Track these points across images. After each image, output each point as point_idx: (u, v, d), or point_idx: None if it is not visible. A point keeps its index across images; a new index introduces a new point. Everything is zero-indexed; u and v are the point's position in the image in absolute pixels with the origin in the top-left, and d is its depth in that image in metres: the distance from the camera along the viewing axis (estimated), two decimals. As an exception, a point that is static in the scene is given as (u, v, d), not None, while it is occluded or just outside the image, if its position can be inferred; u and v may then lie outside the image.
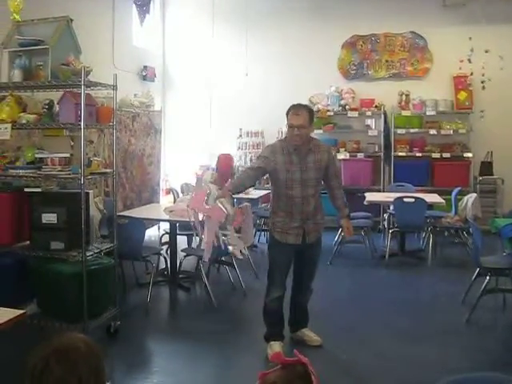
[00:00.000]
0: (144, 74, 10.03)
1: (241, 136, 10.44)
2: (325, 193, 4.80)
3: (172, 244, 6.60)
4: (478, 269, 5.53)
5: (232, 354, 4.78)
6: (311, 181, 4.49)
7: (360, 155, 9.86)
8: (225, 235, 4.09)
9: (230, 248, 4.23)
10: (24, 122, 4.73)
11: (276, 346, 4.59)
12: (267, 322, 4.74)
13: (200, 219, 4.19)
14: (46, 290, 4.76)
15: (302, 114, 4.42)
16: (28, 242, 4.82)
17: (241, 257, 4.39)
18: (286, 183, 4.47)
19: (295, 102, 4.64)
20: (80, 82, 4.45)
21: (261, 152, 4.77)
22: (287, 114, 4.49)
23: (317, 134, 9.57)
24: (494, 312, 5.70)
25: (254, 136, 10.36)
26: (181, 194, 8.32)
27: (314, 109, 9.71)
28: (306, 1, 10.10)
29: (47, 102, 4.80)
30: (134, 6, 9.58)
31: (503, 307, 5.71)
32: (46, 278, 4.74)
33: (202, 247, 4.36)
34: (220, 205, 3.92)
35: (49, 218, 4.60)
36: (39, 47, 4.68)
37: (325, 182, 4.73)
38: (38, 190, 4.82)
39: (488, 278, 5.40)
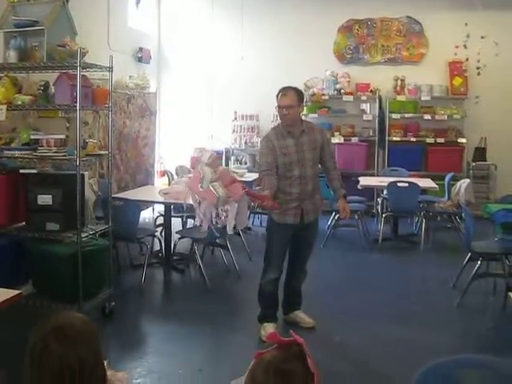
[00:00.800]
0: (139, 55, 9.97)
1: (236, 119, 10.42)
2: (322, 176, 4.86)
3: (166, 226, 6.62)
4: (469, 253, 5.59)
5: (225, 334, 4.82)
6: (308, 161, 4.57)
7: (354, 139, 9.86)
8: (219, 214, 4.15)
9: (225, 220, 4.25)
10: (19, 103, 4.73)
11: (269, 328, 4.64)
12: (261, 304, 4.80)
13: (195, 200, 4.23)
14: (42, 271, 4.79)
15: (290, 95, 4.53)
16: (24, 223, 4.85)
17: (231, 232, 4.45)
18: (284, 166, 4.53)
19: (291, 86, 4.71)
20: (76, 63, 4.45)
21: (260, 148, 4.83)
22: (276, 97, 4.59)
23: (311, 117, 9.63)
24: (484, 296, 5.75)
25: (249, 119, 10.35)
26: (175, 176, 8.31)
27: (309, 92, 9.75)
28: (302, -16, 10.08)
29: (43, 83, 4.80)
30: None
31: (493, 291, 5.77)
32: (42, 259, 4.76)
33: (197, 224, 4.40)
34: (212, 188, 3.98)
35: (44, 199, 4.62)
36: (35, 28, 4.67)
37: (321, 163, 4.80)
38: (34, 171, 4.83)
39: (479, 262, 5.46)
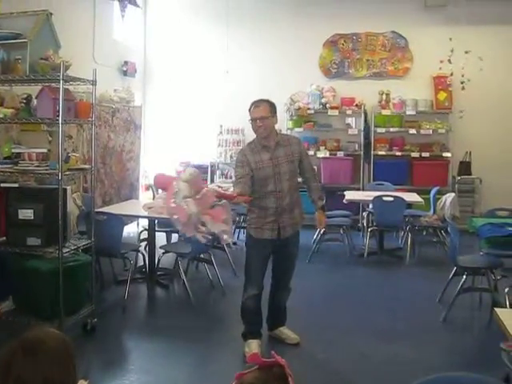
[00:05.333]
0: (124, 69, 9.94)
1: (221, 133, 10.41)
2: (304, 190, 4.82)
3: (150, 241, 6.56)
4: (454, 268, 5.58)
5: (209, 351, 4.76)
6: (285, 175, 4.52)
7: (340, 154, 9.87)
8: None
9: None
10: (1, 116, 4.68)
11: (253, 345, 4.58)
12: (245, 320, 4.74)
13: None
14: (22, 287, 4.71)
15: (262, 106, 4.53)
16: (4, 238, 4.76)
17: (230, 240, 4.46)
18: (260, 181, 4.49)
19: (276, 100, 4.71)
20: (59, 76, 4.41)
21: (236, 161, 4.74)
22: (249, 110, 4.58)
23: (297, 131, 9.64)
24: (470, 311, 5.75)
25: (235, 133, 10.33)
26: (160, 191, 8.25)
27: (295, 106, 9.76)
28: (287, -2, 10.11)
29: (25, 96, 4.75)
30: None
31: (479, 306, 5.76)
32: (22, 275, 4.69)
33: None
34: (184, 205, 3.90)
35: (25, 213, 4.55)
36: (18, 41, 4.61)
37: (300, 175, 4.78)
38: (15, 185, 4.76)
39: (465, 277, 5.45)
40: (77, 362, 1.86)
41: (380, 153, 9.74)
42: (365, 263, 7.49)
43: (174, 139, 10.62)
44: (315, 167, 9.44)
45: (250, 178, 4.48)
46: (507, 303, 5.09)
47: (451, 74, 9.73)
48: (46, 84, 4.67)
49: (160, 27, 10.85)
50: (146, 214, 6.16)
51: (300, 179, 4.81)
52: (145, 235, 7.12)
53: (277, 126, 4.78)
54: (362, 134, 9.82)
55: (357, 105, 9.89)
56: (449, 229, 6.16)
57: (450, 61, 9.73)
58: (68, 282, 4.57)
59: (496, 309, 3.33)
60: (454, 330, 5.28)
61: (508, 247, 5.44)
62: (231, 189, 7.81)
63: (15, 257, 4.68)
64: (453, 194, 8.03)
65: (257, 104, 4.55)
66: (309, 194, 4.87)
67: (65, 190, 4.65)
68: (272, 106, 4.58)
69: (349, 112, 9.89)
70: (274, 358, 1.62)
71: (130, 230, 8.33)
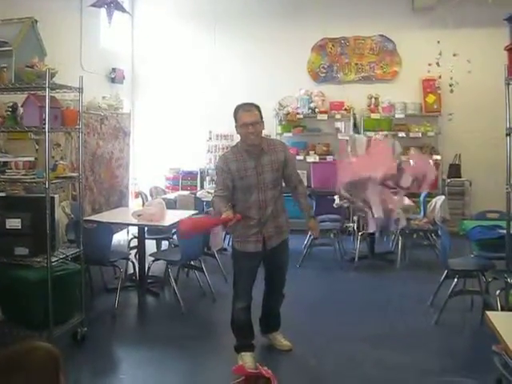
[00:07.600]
0: (112, 76, 9.92)
1: (210, 139, 10.39)
2: (288, 195, 4.69)
3: (140, 248, 6.52)
4: (446, 271, 5.57)
5: (201, 360, 4.71)
6: (269, 184, 4.34)
7: (329, 158, 9.85)
8: None
9: None
10: (-13, 125, 4.64)
11: (247, 358, 4.41)
12: (236, 334, 4.61)
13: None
14: (11, 297, 4.65)
15: (254, 111, 4.32)
16: (-9, 248, 4.71)
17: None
18: (242, 190, 4.34)
19: (265, 105, 4.60)
20: (44, 84, 4.38)
21: (216, 166, 4.59)
22: (236, 114, 4.36)
23: (286, 136, 9.65)
24: (462, 314, 5.73)
25: (224, 139, 10.32)
26: (149, 198, 8.24)
27: (284, 111, 9.77)
28: (276, 3, 10.09)
29: (11, 104, 4.71)
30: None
31: (471, 309, 5.75)
32: (11, 285, 4.63)
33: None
34: None
35: (13, 223, 4.49)
36: (3, 49, 4.57)
37: (285, 182, 4.57)
38: (2, 194, 4.72)
39: (456, 279, 5.44)
40: (66, 372, 1.84)
41: (370, 156, 9.74)
42: (356, 267, 7.47)
43: (163, 146, 10.58)
44: (304, 172, 9.55)
45: (229, 188, 4.34)
46: (498, 305, 5.09)
47: (440, 77, 9.73)
48: (32, 92, 4.64)
49: (148, 33, 10.83)
50: (135, 221, 6.14)
51: (284, 185, 4.59)
52: (134, 243, 7.09)
53: (266, 131, 4.70)
54: (352, 137, 9.82)
55: (346, 109, 9.90)
56: (439, 232, 6.16)
57: (438, 64, 9.71)
58: (57, 292, 4.53)
59: (487, 311, 3.33)
60: (446, 333, 5.26)
61: (498, 249, 5.42)
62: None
63: (3, 267, 4.63)
64: (443, 197, 8.02)
65: (248, 108, 4.32)
66: (295, 200, 4.65)
67: (52, 199, 4.60)
68: (260, 111, 4.37)
69: (338, 116, 9.90)
70: (259, 369, 1.60)
71: (120, 238, 8.28)
